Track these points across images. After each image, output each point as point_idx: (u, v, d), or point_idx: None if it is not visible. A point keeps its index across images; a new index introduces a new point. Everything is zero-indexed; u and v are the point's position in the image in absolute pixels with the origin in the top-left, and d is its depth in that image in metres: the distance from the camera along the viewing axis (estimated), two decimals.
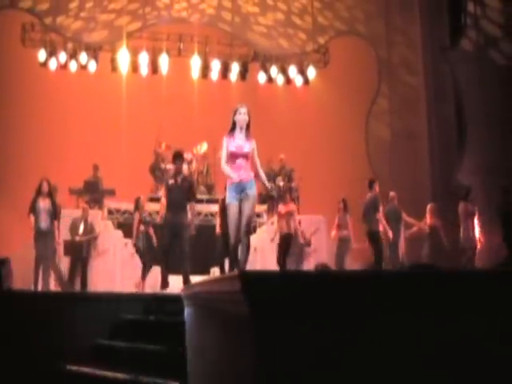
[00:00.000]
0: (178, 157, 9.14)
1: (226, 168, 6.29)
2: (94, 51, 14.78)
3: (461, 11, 13.76)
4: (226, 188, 6.53)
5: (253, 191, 6.29)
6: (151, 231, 10.88)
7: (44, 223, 9.38)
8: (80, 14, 14.39)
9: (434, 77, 14.71)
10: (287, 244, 10.71)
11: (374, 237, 10.23)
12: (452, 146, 14.13)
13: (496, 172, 12.33)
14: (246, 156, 6.30)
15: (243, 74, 15.79)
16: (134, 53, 15.04)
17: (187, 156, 13.73)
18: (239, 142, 6.30)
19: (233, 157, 6.29)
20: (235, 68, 15.76)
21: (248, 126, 6.36)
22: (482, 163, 12.92)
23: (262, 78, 16.04)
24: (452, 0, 13.92)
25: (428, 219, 11.04)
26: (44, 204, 9.44)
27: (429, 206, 11.16)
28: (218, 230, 10.56)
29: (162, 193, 9.50)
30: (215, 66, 15.70)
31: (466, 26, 13.78)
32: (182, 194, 8.83)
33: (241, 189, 6.22)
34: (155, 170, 13.24)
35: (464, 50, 13.89)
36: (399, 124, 15.37)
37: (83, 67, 14.79)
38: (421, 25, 14.82)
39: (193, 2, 15.33)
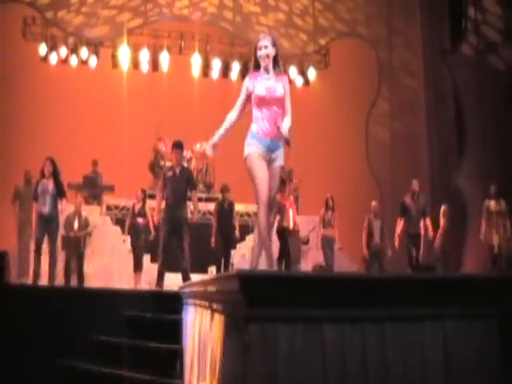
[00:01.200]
0: (177, 146, 8.72)
1: (227, 120, 4.90)
2: (94, 47, 14.83)
3: (461, 16, 13.83)
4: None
5: (282, 161, 4.85)
6: (150, 225, 10.78)
7: (45, 207, 8.70)
8: (81, 8, 14.47)
9: (434, 80, 14.82)
10: (283, 239, 10.50)
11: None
12: (451, 149, 14.21)
13: (495, 175, 12.40)
14: (279, 102, 4.89)
15: (244, 73, 15.78)
16: (135, 49, 15.08)
17: (186, 154, 13.81)
18: (269, 82, 4.90)
19: (263, 104, 4.85)
20: (236, 67, 15.81)
21: (276, 61, 4.97)
22: (481, 166, 12.96)
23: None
24: (452, 4, 13.98)
25: (441, 221, 10.99)
26: (45, 186, 8.78)
27: (442, 208, 11.11)
28: (212, 240, 10.59)
29: (157, 186, 9.31)
30: (216, 64, 15.74)
31: (467, 31, 13.84)
32: (181, 186, 8.51)
33: (270, 147, 4.78)
34: (154, 167, 13.30)
35: (464, 54, 13.95)
36: (399, 126, 15.48)
37: (84, 62, 14.83)
38: (421, 28, 14.94)
39: (194, 1, 15.41)
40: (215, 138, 4.93)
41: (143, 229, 10.89)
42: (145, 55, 15.17)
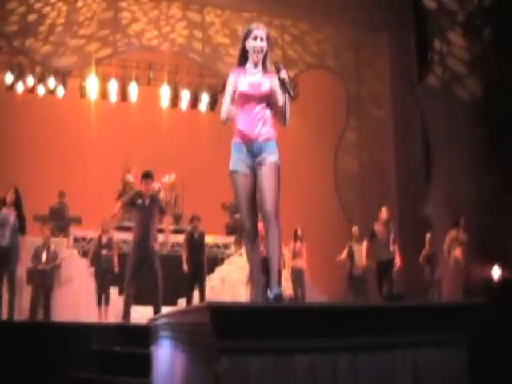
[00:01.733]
0: (146, 176, 8.55)
1: (224, 114, 4.28)
2: (62, 76, 14.79)
3: (427, 48, 14.21)
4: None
5: (274, 157, 4.29)
6: (113, 255, 10.69)
7: (3, 239, 8.41)
8: (49, 37, 14.44)
9: (401, 111, 15.16)
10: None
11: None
12: (419, 179, 14.45)
13: (462, 205, 12.62)
14: (265, 99, 4.26)
15: (213, 104, 15.91)
16: (104, 79, 15.11)
17: (155, 185, 13.81)
18: (254, 78, 4.27)
19: (244, 102, 4.24)
20: (205, 98, 15.90)
21: (266, 56, 4.34)
22: (448, 196, 13.17)
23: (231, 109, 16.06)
24: (419, 36, 14.36)
25: (426, 249, 11.25)
26: (6, 216, 8.51)
27: (428, 236, 11.37)
28: (185, 267, 10.47)
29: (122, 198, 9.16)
30: (185, 95, 15.81)
31: (433, 63, 14.23)
32: (150, 216, 8.37)
33: (254, 152, 4.25)
34: None
35: (431, 85, 14.31)
36: (367, 157, 15.79)
37: (51, 92, 14.77)
38: (389, 60, 15.34)
39: (163, 31, 15.52)
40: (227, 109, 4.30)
41: (108, 261, 10.77)
42: (113, 85, 15.19)
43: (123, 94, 15.33)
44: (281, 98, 4.28)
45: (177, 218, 13.88)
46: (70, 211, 12.76)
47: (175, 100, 15.79)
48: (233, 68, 4.43)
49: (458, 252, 10.76)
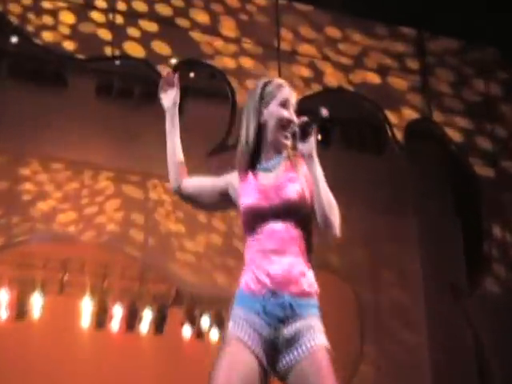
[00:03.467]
0: None
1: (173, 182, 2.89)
2: None
3: (480, 237, 10.83)
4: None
5: (322, 336, 2.41)
6: None
7: None
8: None
9: (442, 332, 11.19)
10: None
11: None
12: None
13: None
14: (293, 212, 2.54)
15: None
16: None
17: None
18: (267, 177, 2.58)
19: (254, 219, 2.56)
20: None
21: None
22: None
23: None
24: (468, 219, 11.02)
25: None
26: None
27: None
28: None
29: None
30: None
31: (491, 258, 10.83)
32: None
33: (276, 314, 2.44)
34: None
35: (488, 291, 10.74)
36: None
37: None
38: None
39: None
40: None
41: None
42: None
43: None
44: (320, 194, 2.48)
45: None
46: None
47: None
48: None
49: None
